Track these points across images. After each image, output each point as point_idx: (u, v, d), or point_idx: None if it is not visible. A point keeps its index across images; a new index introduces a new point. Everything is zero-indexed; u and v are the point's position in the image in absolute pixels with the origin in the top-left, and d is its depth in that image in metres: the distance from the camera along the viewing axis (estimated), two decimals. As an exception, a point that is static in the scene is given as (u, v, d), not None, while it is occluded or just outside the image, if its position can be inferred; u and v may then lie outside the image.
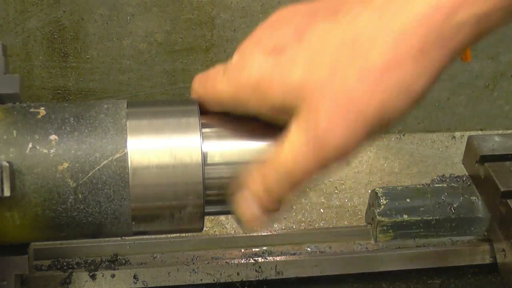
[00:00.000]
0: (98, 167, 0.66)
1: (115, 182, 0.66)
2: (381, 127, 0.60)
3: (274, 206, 0.66)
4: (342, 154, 0.60)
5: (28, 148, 0.65)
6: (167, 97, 1.34)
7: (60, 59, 1.27)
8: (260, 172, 0.65)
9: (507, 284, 1.13)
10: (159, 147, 0.68)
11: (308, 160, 0.61)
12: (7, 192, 0.63)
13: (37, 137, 0.66)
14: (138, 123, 0.69)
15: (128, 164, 0.66)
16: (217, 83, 0.67)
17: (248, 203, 0.66)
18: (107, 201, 0.66)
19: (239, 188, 0.67)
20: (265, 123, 0.68)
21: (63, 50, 1.27)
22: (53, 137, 0.66)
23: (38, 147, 0.65)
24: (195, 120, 0.69)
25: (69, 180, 0.65)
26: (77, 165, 0.66)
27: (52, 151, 0.65)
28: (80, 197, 0.66)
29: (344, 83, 0.58)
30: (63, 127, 0.67)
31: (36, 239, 0.70)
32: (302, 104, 0.60)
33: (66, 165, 0.65)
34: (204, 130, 0.69)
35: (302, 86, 0.60)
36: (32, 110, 0.68)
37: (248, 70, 0.63)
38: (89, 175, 0.66)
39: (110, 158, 0.66)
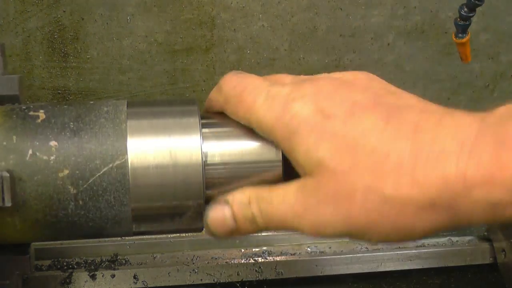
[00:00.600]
0: (98, 174, 0.66)
1: (115, 189, 0.66)
2: (361, 238, 0.63)
3: (243, 228, 0.68)
4: (314, 232, 0.64)
5: (28, 155, 0.65)
6: (167, 97, 1.34)
7: (60, 59, 1.27)
8: (250, 194, 0.67)
9: (507, 284, 1.13)
10: (159, 147, 0.67)
11: (287, 215, 0.64)
12: (8, 202, 0.63)
13: (37, 143, 0.66)
14: (138, 123, 0.69)
15: (128, 170, 0.66)
16: (256, 103, 0.67)
17: (224, 214, 0.68)
18: (107, 207, 0.67)
19: (223, 198, 0.69)
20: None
21: (63, 50, 1.26)
22: (53, 143, 0.66)
23: (38, 154, 0.65)
24: (195, 120, 0.69)
25: (70, 187, 0.65)
26: (77, 172, 0.66)
27: (52, 158, 0.65)
28: (80, 203, 0.66)
29: (353, 184, 0.60)
30: (63, 133, 0.66)
31: (37, 240, 0.70)
32: (314, 175, 0.62)
33: (66, 172, 0.65)
34: (204, 130, 0.69)
35: (321, 162, 0.62)
36: (31, 113, 0.67)
37: (292, 114, 0.64)
38: (90, 182, 0.66)
39: (111, 165, 0.66)
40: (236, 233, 0.69)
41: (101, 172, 0.66)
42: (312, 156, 0.62)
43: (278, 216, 0.65)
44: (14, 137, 0.66)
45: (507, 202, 0.55)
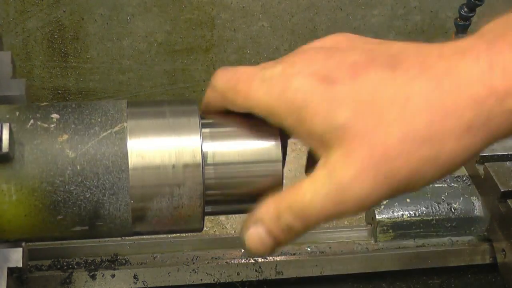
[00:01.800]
0: (97, 139, 0.67)
1: (114, 153, 0.66)
2: (405, 190, 0.60)
3: (284, 239, 0.65)
4: (360, 207, 0.60)
5: (29, 124, 0.67)
6: (167, 97, 1.34)
7: (60, 59, 1.27)
8: (275, 205, 0.65)
9: (507, 284, 1.13)
10: (159, 147, 0.68)
11: (325, 205, 0.61)
12: (5, 148, 0.64)
13: (39, 115, 0.67)
14: (138, 123, 0.69)
15: (126, 136, 0.67)
16: (252, 88, 0.65)
17: (259, 235, 0.66)
18: (105, 172, 0.66)
19: (252, 218, 0.66)
20: (266, 123, 0.68)
21: (63, 50, 1.27)
22: (54, 115, 0.68)
23: (39, 123, 0.67)
24: (195, 120, 0.69)
25: (68, 151, 0.66)
26: (76, 137, 0.66)
27: (52, 126, 0.67)
28: (78, 168, 0.66)
29: (385, 139, 0.58)
30: (65, 109, 0.68)
31: (32, 226, 0.68)
32: (338, 145, 0.60)
33: (65, 136, 0.66)
34: (204, 130, 0.69)
35: (344, 129, 0.59)
36: (35, 103, 0.70)
37: (294, 89, 0.62)
38: (88, 145, 0.66)
39: (110, 131, 0.67)
40: (280, 246, 0.66)
41: (100, 137, 0.67)
42: (332, 124, 0.59)
43: (316, 212, 0.62)
44: (17, 112, 0.68)
45: None
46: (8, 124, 0.64)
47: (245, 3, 1.26)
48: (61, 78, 1.29)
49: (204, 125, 0.70)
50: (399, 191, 0.60)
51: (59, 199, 0.66)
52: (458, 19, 1.11)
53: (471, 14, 1.15)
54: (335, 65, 0.62)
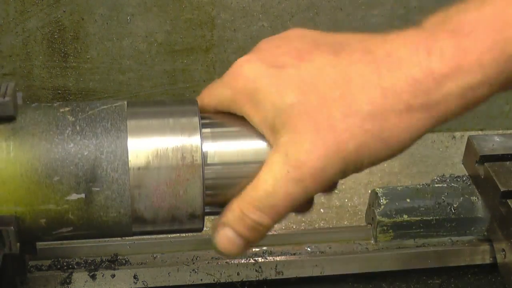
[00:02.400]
0: (98, 109, 0.69)
1: (113, 117, 0.68)
2: (355, 166, 0.63)
3: (254, 236, 0.67)
4: (319, 182, 0.62)
5: (33, 105, 0.70)
6: (167, 97, 1.34)
7: (60, 59, 1.27)
8: (238, 205, 0.66)
9: (507, 284, 1.13)
10: (159, 147, 0.68)
11: (288, 188, 0.63)
12: (9, 109, 0.67)
13: (43, 105, 0.70)
14: (138, 123, 0.69)
15: (125, 108, 0.69)
16: (214, 87, 0.69)
17: (228, 236, 0.67)
18: (104, 132, 0.67)
19: (219, 222, 0.68)
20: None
21: (63, 50, 1.27)
22: (57, 103, 0.71)
23: (42, 104, 0.70)
24: (195, 120, 0.69)
25: (69, 117, 0.68)
26: (78, 108, 0.69)
27: (56, 104, 0.70)
28: (78, 128, 0.67)
29: (329, 116, 0.61)
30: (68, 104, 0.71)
31: (26, 191, 0.67)
32: (287, 128, 0.63)
33: (67, 108, 0.69)
34: (204, 130, 0.69)
35: (291, 110, 0.62)
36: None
37: (245, 75, 0.65)
38: (89, 113, 0.69)
39: (110, 105, 0.69)
40: (250, 244, 0.68)
41: (100, 108, 0.69)
42: (280, 105, 0.63)
43: (280, 198, 0.63)
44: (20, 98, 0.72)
45: (477, 83, 0.58)
46: (13, 84, 0.67)
47: (245, 3, 1.26)
48: (61, 78, 1.29)
49: (204, 125, 0.70)
50: (350, 166, 0.62)
51: (57, 156, 0.67)
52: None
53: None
54: (282, 52, 0.65)
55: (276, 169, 0.63)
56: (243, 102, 0.66)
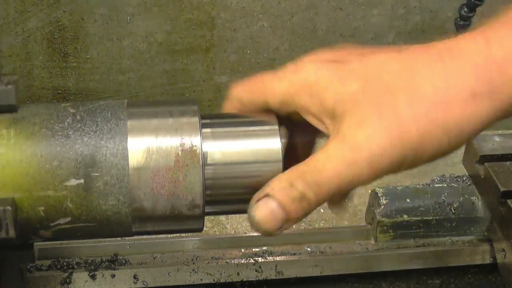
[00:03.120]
0: (98, 103, 0.70)
1: (113, 108, 0.69)
2: (414, 158, 0.62)
3: (295, 211, 0.65)
4: (374, 167, 0.62)
5: (34, 103, 0.71)
6: (167, 97, 1.34)
7: (60, 59, 1.27)
8: (287, 176, 0.65)
9: (507, 284, 1.13)
10: (159, 147, 0.68)
11: (338, 168, 0.62)
12: (11, 99, 0.67)
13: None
14: (138, 123, 0.69)
15: (125, 104, 0.69)
16: (268, 82, 0.68)
17: (270, 208, 0.65)
18: (104, 120, 0.68)
19: (261, 192, 0.66)
20: (266, 123, 0.68)
21: (63, 50, 1.27)
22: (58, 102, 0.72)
23: (43, 102, 0.74)
24: (195, 120, 0.69)
25: (70, 109, 0.69)
26: (78, 103, 0.70)
27: (56, 102, 0.71)
28: (78, 118, 0.68)
29: (394, 103, 0.61)
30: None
31: (25, 177, 0.67)
32: (349, 114, 0.62)
33: (68, 104, 0.70)
34: (204, 130, 0.69)
35: (354, 98, 0.62)
36: None
37: (305, 72, 0.65)
38: (89, 106, 0.69)
39: (110, 101, 0.70)
40: (290, 222, 0.65)
41: (101, 103, 0.70)
42: (343, 92, 0.62)
43: (328, 176, 0.62)
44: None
45: None
46: (15, 77, 0.67)
47: (245, 3, 1.26)
48: (61, 78, 1.29)
49: (204, 125, 0.70)
50: (408, 157, 0.62)
51: (57, 142, 0.67)
52: (458, 19, 1.11)
53: (471, 14, 1.15)
54: (343, 53, 0.66)
55: (331, 149, 0.62)
56: (300, 94, 0.66)
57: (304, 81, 0.65)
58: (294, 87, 0.66)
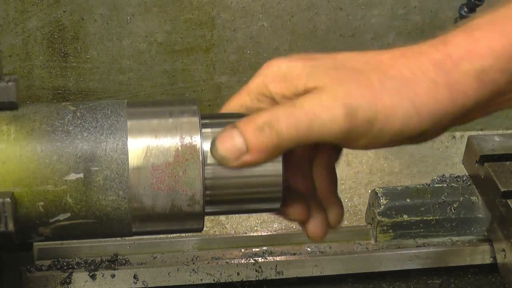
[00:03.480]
0: (98, 103, 0.70)
1: (113, 106, 0.69)
2: (387, 121, 0.64)
3: (257, 139, 0.64)
4: (350, 116, 0.63)
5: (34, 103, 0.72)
6: (167, 97, 1.34)
7: (60, 59, 1.27)
8: (261, 112, 0.65)
9: (507, 284, 1.13)
10: (159, 147, 0.68)
11: (316, 107, 0.63)
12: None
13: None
14: (138, 123, 0.69)
15: (125, 103, 0.70)
16: (245, 88, 0.71)
17: (231, 133, 0.65)
18: (104, 117, 0.69)
19: (228, 127, 0.66)
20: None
21: (63, 50, 1.27)
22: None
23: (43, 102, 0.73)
24: (195, 120, 0.69)
25: (70, 107, 0.69)
26: (78, 102, 0.71)
27: (56, 102, 0.72)
28: (78, 114, 0.69)
29: (367, 79, 0.65)
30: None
31: (25, 172, 0.67)
32: (325, 82, 0.65)
33: (69, 103, 0.71)
34: (204, 130, 0.69)
35: (328, 73, 0.66)
36: None
37: (277, 65, 0.69)
38: (90, 104, 0.70)
39: (110, 100, 0.71)
40: (250, 155, 0.64)
41: (101, 102, 0.71)
42: (316, 72, 0.66)
43: (302, 114, 0.63)
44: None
45: (489, 67, 0.63)
46: (15, 77, 0.68)
47: (245, 3, 1.26)
48: (61, 78, 1.29)
49: (204, 125, 0.70)
50: (382, 119, 0.64)
51: (57, 137, 0.67)
52: (458, 19, 1.11)
53: (471, 14, 1.15)
54: (314, 55, 0.69)
55: (309, 96, 0.65)
56: (275, 82, 0.68)
57: (277, 71, 0.68)
58: (267, 78, 0.69)
